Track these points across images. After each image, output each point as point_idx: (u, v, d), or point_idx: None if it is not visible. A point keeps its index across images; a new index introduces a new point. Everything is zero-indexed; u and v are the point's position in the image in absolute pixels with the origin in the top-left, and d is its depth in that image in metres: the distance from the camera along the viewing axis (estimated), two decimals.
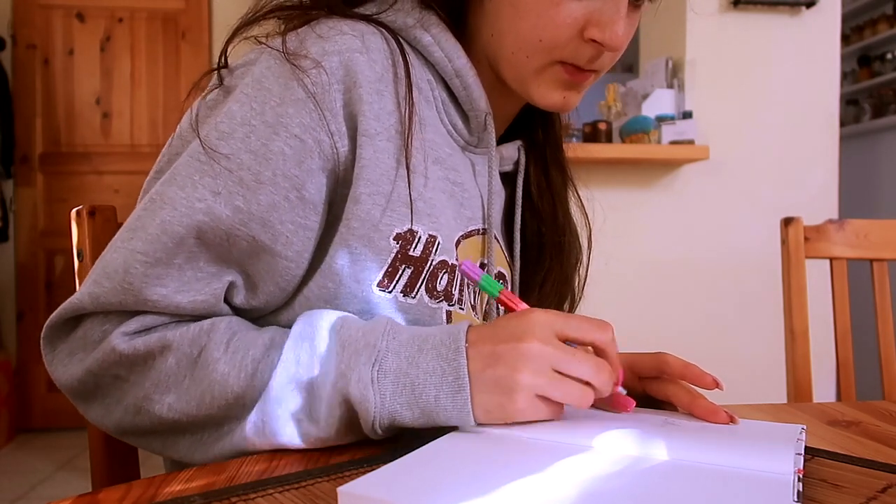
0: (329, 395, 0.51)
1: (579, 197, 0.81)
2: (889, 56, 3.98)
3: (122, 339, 0.55)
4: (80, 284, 0.74)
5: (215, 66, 0.62)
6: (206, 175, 0.55)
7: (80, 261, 0.74)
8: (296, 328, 0.54)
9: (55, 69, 3.37)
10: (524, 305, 0.57)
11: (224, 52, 0.61)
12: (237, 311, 0.62)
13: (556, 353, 0.50)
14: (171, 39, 3.44)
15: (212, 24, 3.46)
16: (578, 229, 0.80)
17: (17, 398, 3.22)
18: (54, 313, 0.58)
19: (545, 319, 0.51)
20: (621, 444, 0.48)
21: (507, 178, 0.76)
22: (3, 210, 3.27)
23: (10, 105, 3.29)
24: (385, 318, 0.54)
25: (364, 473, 0.41)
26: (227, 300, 0.60)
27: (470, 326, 0.52)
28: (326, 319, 0.54)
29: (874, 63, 4.11)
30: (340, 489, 0.39)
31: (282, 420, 0.52)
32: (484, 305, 0.69)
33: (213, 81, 0.62)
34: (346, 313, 0.56)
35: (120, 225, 0.76)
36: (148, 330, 0.57)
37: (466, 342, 0.51)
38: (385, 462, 0.44)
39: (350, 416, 0.51)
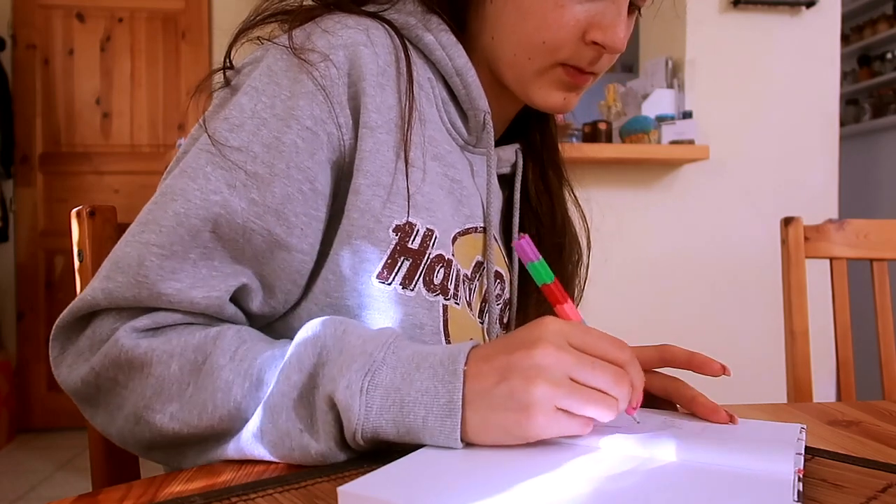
0: (320, 402, 0.48)
1: (576, 197, 0.81)
2: (889, 56, 3.98)
3: (129, 334, 0.53)
4: (80, 284, 0.74)
5: (219, 67, 0.62)
6: (218, 167, 0.55)
7: (81, 261, 0.74)
8: (301, 335, 0.52)
9: (55, 69, 3.37)
10: (570, 302, 0.55)
11: (228, 54, 0.61)
12: (252, 319, 0.61)
13: (572, 359, 0.46)
14: (171, 39, 3.44)
15: (212, 24, 3.46)
16: (577, 230, 0.80)
17: (17, 398, 3.22)
18: (64, 312, 0.56)
19: (560, 328, 0.48)
20: (626, 446, 0.48)
21: (505, 181, 0.76)
22: (3, 210, 3.27)
23: (10, 105, 3.29)
24: (391, 331, 0.52)
25: (364, 473, 0.41)
26: (242, 307, 0.59)
27: (475, 347, 0.49)
28: (330, 326, 0.52)
29: (874, 63, 4.11)
30: (340, 489, 0.39)
31: (280, 432, 0.49)
32: (479, 304, 0.69)
33: (220, 83, 0.62)
34: (352, 320, 0.54)
35: (120, 225, 0.77)
36: (157, 330, 0.55)
37: (467, 364, 0.48)
38: (385, 462, 0.44)
39: (340, 423, 0.48)
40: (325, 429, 0.48)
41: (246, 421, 0.51)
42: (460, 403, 0.46)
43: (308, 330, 0.52)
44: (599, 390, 0.46)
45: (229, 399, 0.51)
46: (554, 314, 0.54)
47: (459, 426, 0.46)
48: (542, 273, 0.54)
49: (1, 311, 3.35)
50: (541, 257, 0.54)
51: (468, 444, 0.47)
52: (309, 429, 0.48)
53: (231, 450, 0.51)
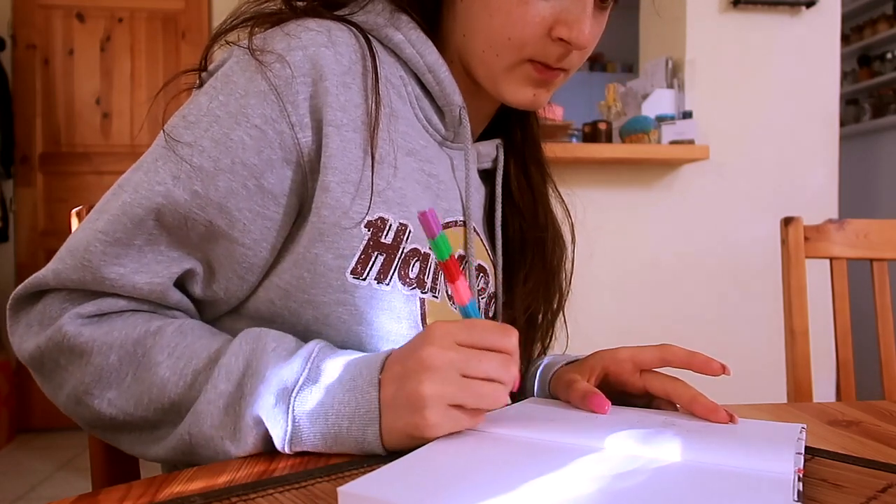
0: (246, 415, 0.52)
1: (559, 193, 0.82)
2: (889, 56, 3.98)
3: (73, 320, 0.57)
4: None
5: (188, 68, 0.65)
6: (168, 161, 0.58)
7: None
8: (234, 345, 0.55)
9: (55, 69, 3.37)
10: (463, 279, 0.54)
11: (204, 57, 0.64)
12: (199, 304, 0.63)
13: (457, 356, 0.49)
14: (171, 39, 3.44)
15: (212, 24, 3.46)
16: (561, 225, 0.81)
17: (17, 398, 3.22)
18: (20, 286, 0.60)
19: (444, 329, 0.50)
20: (629, 445, 0.48)
21: (488, 176, 0.77)
22: (3, 210, 3.27)
23: (10, 105, 3.29)
24: (313, 345, 0.55)
25: (364, 473, 0.41)
26: (186, 292, 0.62)
27: (390, 354, 0.53)
28: (262, 339, 0.55)
29: (874, 63, 4.11)
30: (340, 489, 0.39)
31: (205, 437, 0.52)
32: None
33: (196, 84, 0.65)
34: (283, 333, 0.56)
35: None
36: (101, 317, 0.58)
37: (382, 372, 0.51)
38: (385, 462, 0.44)
39: (267, 435, 0.52)
40: (247, 439, 0.52)
41: (178, 417, 0.55)
42: (377, 412, 0.50)
43: (240, 340, 0.55)
44: (490, 379, 0.49)
45: (164, 395, 0.55)
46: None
47: (380, 433, 0.49)
48: (442, 249, 0.52)
49: (1, 311, 3.35)
50: (442, 232, 0.52)
51: (390, 451, 0.50)
52: (231, 436, 0.52)
53: (164, 447, 0.55)
